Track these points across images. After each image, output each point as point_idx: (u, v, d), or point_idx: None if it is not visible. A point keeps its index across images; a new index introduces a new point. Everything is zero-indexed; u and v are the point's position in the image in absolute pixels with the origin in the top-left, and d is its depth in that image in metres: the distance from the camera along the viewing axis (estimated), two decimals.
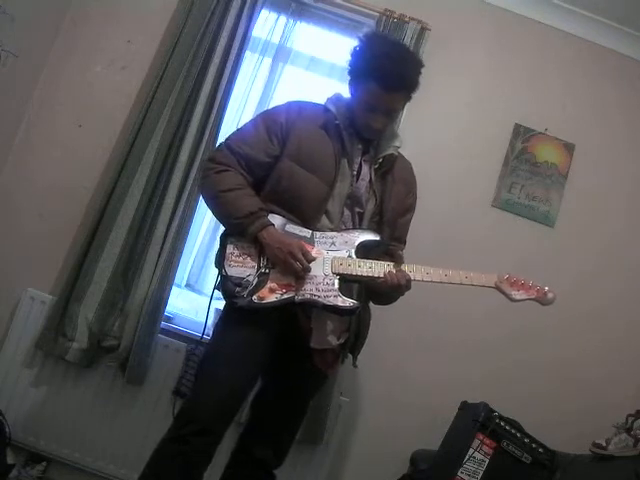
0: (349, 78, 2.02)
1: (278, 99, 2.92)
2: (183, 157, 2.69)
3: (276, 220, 1.93)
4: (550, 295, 1.97)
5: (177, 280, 2.79)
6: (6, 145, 2.78)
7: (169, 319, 2.79)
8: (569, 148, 3.00)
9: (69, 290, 2.64)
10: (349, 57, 2.00)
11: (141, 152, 2.68)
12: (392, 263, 1.95)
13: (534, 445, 2.38)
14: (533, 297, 1.97)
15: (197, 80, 2.73)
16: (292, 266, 1.86)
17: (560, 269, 2.90)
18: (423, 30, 2.85)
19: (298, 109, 2.04)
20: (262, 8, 2.85)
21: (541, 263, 2.87)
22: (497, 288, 1.96)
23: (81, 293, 2.63)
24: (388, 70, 1.89)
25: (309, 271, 1.88)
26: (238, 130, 2.08)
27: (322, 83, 2.99)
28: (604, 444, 2.32)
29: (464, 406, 2.49)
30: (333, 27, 3.01)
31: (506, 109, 3.01)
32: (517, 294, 1.95)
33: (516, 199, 2.96)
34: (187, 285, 2.93)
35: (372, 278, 1.91)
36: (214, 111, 2.72)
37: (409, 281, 1.91)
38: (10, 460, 2.49)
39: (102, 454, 2.66)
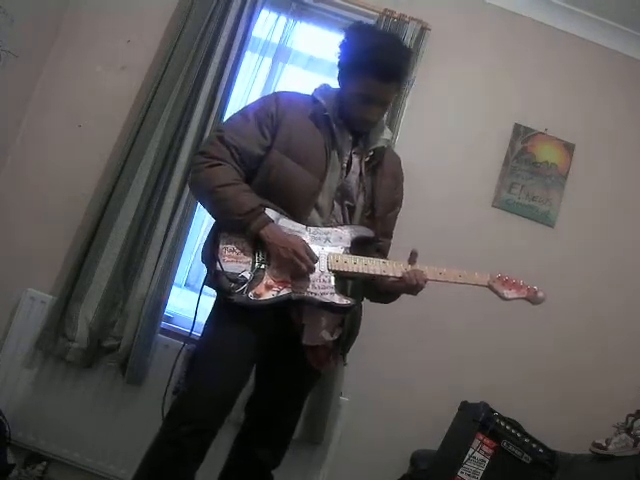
0: (339, 71, 2.00)
1: None
2: (183, 157, 2.69)
3: (270, 214, 1.89)
4: (540, 294, 2.00)
5: (177, 280, 2.79)
6: (6, 145, 2.78)
7: (169, 319, 2.79)
8: (569, 148, 3.00)
9: (69, 290, 2.64)
10: (338, 50, 1.98)
11: (141, 152, 2.68)
12: (388, 260, 1.96)
13: (534, 445, 2.38)
14: (524, 296, 2.00)
15: (197, 80, 2.73)
16: (298, 267, 1.83)
17: (560, 269, 2.90)
18: (423, 30, 2.85)
19: (288, 99, 2.01)
20: (262, 8, 2.85)
21: (541, 263, 2.87)
22: (489, 287, 1.99)
23: (81, 293, 2.63)
24: (382, 61, 1.88)
25: (313, 271, 1.86)
26: (228, 122, 2.03)
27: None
28: (604, 444, 2.32)
29: (464, 406, 2.49)
30: (333, 27, 3.01)
31: (506, 109, 3.01)
32: (509, 293, 1.99)
33: (516, 199, 2.96)
34: (187, 285, 2.94)
35: (368, 275, 1.91)
36: (214, 111, 2.72)
37: (426, 281, 1.91)
38: (10, 460, 2.49)
39: (102, 454, 2.66)
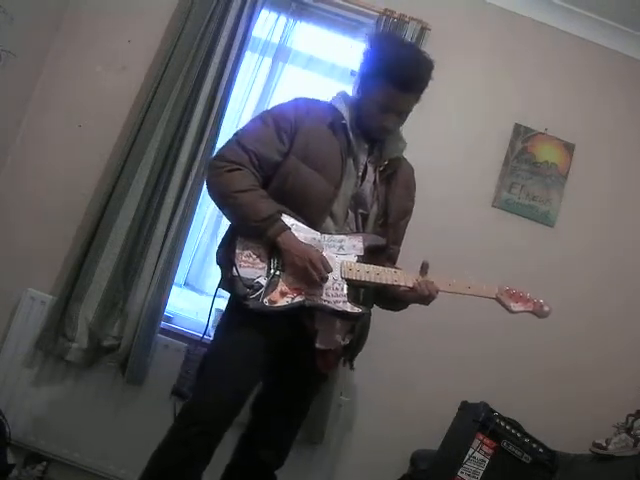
0: (360, 79, 2.02)
1: (278, 99, 2.92)
2: (183, 157, 2.69)
3: (287, 220, 1.90)
4: (546, 308, 2.04)
5: (177, 280, 2.79)
6: (6, 145, 2.78)
7: (169, 319, 2.79)
8: (569, 148, 3.00)
9: (69, 290, 2.64)
10: (361, 58, 2.01)
11: (141, 152, 2.68)
12: (399, 270, 1.98)
13: (534, 445, 2.38)
14: (530, 310, 2.04)
15: (197, 80, 2.73)
16: (311, 276, 1.84)
17: (560, 269, 2.90)
18: (423, 30, 2.85)
19: (306, 107, 2.02)
20: (262, 8, 2.85)
21: (541, 263, 2.87)
22: (497, 300, 2.02)
23: (81, 293, 2.63)
24: (404, 71, 1.91)
25: (325, 282, 1.86)
26: (247, 127, 2.04)
27: (322, 83, 2.99)
28: (604, 444, 2.32)
29: (464, 406, 2.49)
30: (333, 27, 3.01)
31: (506, 109, 3.01)
32: (516, 306, 2.02)
33: (516, 199, 2.96)
34: (187, 284, 2.93)
35: (380, 284, 1.93)
36: (214, 111, 2.72)
37: (437, 292, 1.93)
38: (10, 460, 2.49)
39: (102, 454, 2.66)
